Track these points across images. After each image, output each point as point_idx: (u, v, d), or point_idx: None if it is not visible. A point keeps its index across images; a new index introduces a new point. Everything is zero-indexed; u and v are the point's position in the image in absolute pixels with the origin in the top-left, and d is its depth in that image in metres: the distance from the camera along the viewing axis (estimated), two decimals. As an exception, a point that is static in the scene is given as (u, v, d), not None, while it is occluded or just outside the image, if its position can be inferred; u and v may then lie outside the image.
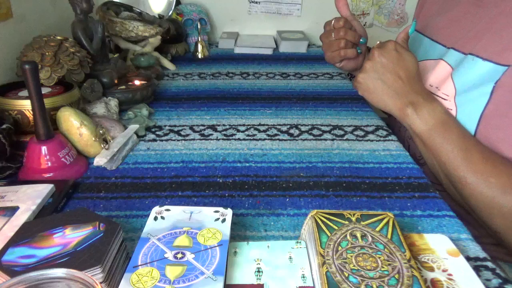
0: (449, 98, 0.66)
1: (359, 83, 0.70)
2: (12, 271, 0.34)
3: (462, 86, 0.64)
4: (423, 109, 0.63)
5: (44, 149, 0.57)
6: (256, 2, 1.39)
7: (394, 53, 0.67)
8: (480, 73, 0.61)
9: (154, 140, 0.71)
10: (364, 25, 1.44)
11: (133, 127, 0.72)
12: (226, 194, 0.56)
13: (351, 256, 0.38)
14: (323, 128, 0.76)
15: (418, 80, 0.67)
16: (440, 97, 0.67)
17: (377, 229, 0.41)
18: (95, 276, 0.35)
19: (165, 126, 0.77)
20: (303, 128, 0.76)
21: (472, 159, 0.57)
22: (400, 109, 0.65)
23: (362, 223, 0.42)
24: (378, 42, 0.73)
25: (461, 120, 0.64)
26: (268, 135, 0.73)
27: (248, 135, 0.73)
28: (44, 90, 0.66)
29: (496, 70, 0.59)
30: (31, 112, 0.60)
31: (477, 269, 0.43)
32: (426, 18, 0.82)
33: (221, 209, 0.45)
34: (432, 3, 0.82)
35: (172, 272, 0.37)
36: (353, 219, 0.42)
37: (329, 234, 0.40)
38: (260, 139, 0.72)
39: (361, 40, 0.82)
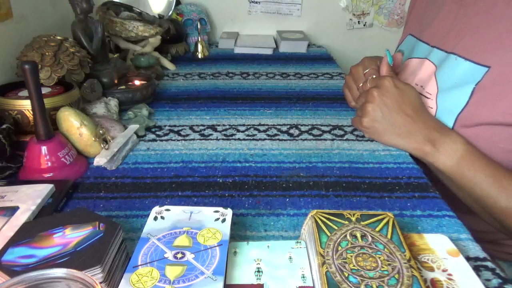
0: (431, 97, 0.66)
1: (366, 127, 0.67)
2: (12, 271, 0.34)
3: (444, 85, 0.64)
4: (444, 144, 0.59)
5: (44, 149, 0.57)
6: (256, 2, 1.39)
7: (394, 90, 0.63)
8: (461, 73, 0.62)
9: (154, 140, 0.71)
10: (364, 25, 1.44)
11: (133, 127, 0.72)
12: (226, 194, 0.56)
13: (351, 256, 0.38)
14: (323, 128, 0.76)
15: (426, 113, 0.64)
16: (424, 96, 0.67)
17: (377, 229, 0.41)
18: (95, 276, 0.35)
19: (165, 126, 0.77)
20: (303, 128, 0.76)
21: (505, 185, 0.54)
22: (417, 149, 0.62)
23: (362, 223, 0.42)
24: (371, 76, 0.69)
25: (439, 118, 0.64)
26: (268, 135, 0.73)
27: (248, 135, 0.73)
28: (44, 90, 0.66)
29: (476, 70, 0.59)
30: (31, 112, 0.60)
31: (477, 269, 0.43)
32: (415, 18, 0.83)
33: (221, 209, 0.45)
34: (421, 2, 0.82)
35: (172, 272, 0.37)
36: (353, 219, 0.42)
37: (329, 234, 0.40)
38: (260, 139, 0.72)
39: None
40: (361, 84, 0.75)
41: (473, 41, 0.61)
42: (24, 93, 0.66)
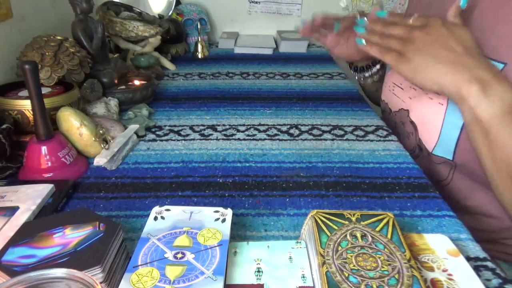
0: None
1: (407, 58, 0.57)
2: (12, 271, 0.34)
3: None
4: (493, 88, 0.50)
5: (44, 149, 0.57)
6: (256, 2, 1.39)
7: (443, 29, 0.56)
8: None
9: (154, 140, 0.71)
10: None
11: (133, 127, 0.72)
12: (226, 194, 0.56)
13: (351, 256, 0.38)
14: (323, 128, 0.76)
15: (480, 53, 0.55)
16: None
17: (377, 229, 0.41)
18: (95, 276, 0.35)
19: (165, 126, 0.77)
20: (303, 128, 0.76)
21: None
22: (460, 87, 0.52)
23: (362, 223, 0.42)
24: (415, 15, 0.61)
25: (449, 116, 0.63)
26: (268, 135, 0.73)
27: (248, 135, 0.73)
28: (44, 90, 0.66)
29: None
30: (31, 112, 0.60)
31: (477, 269, 0.43)
32: (417, 10, 0.81)
33: (221, 209, 0.45)
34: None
35: (172, 272, 0.37)
36: (353, 219, 0.42)
37: (329, 234, 0.40)
38: (260, 139, 0.72)
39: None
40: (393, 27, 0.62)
41: (486, 37, 0.59)
42: (24, 93, 0.66)
